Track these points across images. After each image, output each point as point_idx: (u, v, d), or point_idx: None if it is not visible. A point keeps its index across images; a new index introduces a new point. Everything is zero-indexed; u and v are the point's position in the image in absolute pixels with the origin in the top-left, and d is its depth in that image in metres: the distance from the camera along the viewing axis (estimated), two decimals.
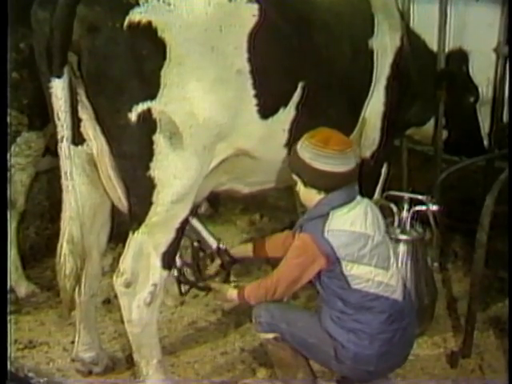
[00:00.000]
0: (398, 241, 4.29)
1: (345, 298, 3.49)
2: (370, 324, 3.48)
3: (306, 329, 3.60)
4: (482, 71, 5.02)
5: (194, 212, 3.79)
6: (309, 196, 3.54)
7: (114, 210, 3.74)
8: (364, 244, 3.43)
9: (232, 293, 3.73)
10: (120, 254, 3.57)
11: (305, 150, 3.46)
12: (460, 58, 4.92)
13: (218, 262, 4.03)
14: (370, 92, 4.20)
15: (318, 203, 3.50)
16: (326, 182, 3.47)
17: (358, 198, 3.56)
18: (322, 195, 3.49)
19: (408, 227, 4.33)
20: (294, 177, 3.55)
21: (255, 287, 3.66)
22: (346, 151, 3.45)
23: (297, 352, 3.66)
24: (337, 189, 3.46)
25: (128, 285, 3.49)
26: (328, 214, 3.44)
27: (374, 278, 3.46)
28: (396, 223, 4.34)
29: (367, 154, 4.39)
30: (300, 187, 3.55)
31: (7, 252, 3.22)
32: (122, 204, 3.50)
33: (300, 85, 3.62)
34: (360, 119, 4.25)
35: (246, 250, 4.10)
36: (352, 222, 3.44)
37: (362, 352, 3.49)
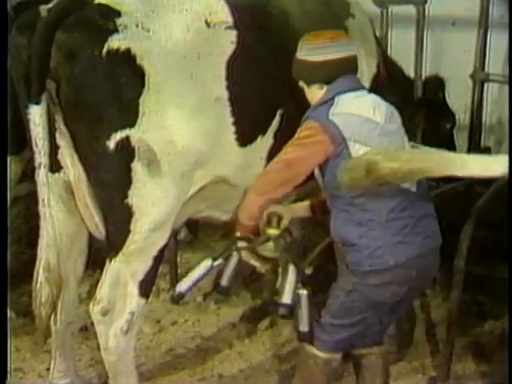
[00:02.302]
0: None
1: None
2: (380, 211, 3.33)
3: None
4: (459, 97, 5.07)
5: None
6: (313, 94, 3.49)
7: (92, 238, 3.71)
8: (372, 128, 3.33)
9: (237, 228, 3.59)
10: (98, 281, 3.55)
11: (300, 49, 3.45)
12: (437, 84, 4.96)
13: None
14: None
15: (321, 95, 3.45)
16: (323, 73, 3.42)
17: (367, 92, 3.51)
18: (324, 88, 3.45)
19: None
20: (300, 83, 3.52)
21: (250, 192, 3.48)
22: (337, 39, 3.43)
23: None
24: (337, 78, 3.42)
25: (105, 313, 3.46)
26: (333, 100, 3.39)
27: None
28: None
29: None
30: (305, 90, 3.51)
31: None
32: (100, 232, 3.48)
33: (279, 112, 3.64)
34: None
35: (300, 209, 3.76)
36: (358, 107, 3.37)
37: (375, 244, 3.33)
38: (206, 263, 3.54)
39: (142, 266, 3.44)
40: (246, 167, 3.61)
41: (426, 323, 4.88)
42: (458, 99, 5.05)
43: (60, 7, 3.18)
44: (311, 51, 3.42)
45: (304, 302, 3.47)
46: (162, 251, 3.48)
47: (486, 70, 4.88)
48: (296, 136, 3.39)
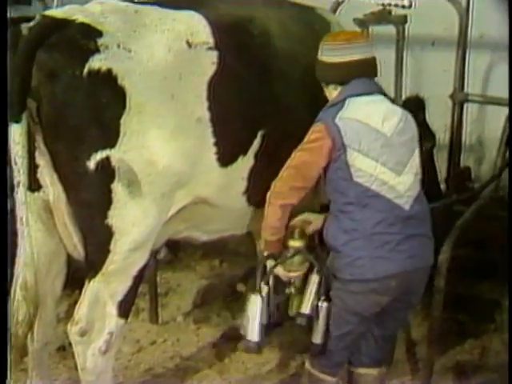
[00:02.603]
0: None
1: (346, 191, 3.41)
2: (366, 223, 3.38)
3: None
4: (439, 117, 5.10)
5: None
6: (330, 96, 3.57)
7: (70, 257, 3.67)
8: (375, 139, 3.38)
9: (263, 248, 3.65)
10: (76, 301, 3.52)
11: (320, 50, 3.56)
12: (417, 104, 4.98)
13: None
14: None
15: (335, 96, 3.52)
16: (338, 74, 3.50)
17: (383, 97, 3.56)
18: (338, 89, 3.52)
19: None
20: (322, 84, 3.61)
21: (266, 206, 3.55)
22: (353, 41, 3.51)
23: None
24: (351, 80, 3.48)
25: (83, 333, 3.44)
26: (344, 102, 3.45)
27: (378, 175, 3.37)
28: None
29: (326, 200, 4.40)
30: (325, 90, 3.60)
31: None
32: (78, 252, 3.45)
33: (259, 133, 3.63)
34: None
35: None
36: (368, 114, 3.42)
37: (356, 254, 3.39)
38: (256, 299, 3.56)
39: (122, 286, 3.42)
40: (226, 187, 3.60)
41: (406, 342, 4.88)
42: (438, 119, 5.06)
43: (41, 26, 3.17)
44: (328, 52, 3.53)
45: (323, 315, 3.51)
46: (141, 271, 3.46)
47: (466, 90, 4.91)
48: (305, 139, 3.47)
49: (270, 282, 3.63)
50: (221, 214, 3.74)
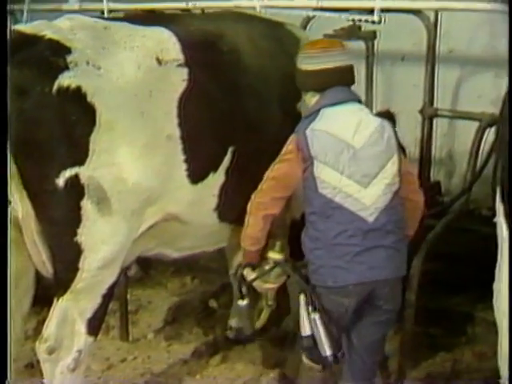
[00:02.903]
0: None
1: (311, 201, 3.50)
2: (327, 233, 3.47)
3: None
4: (410, 131, 5.12)
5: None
6: (309, 103, 3.66)
7: (39, 274, 3.63)
8: (342, 151, 3.44)
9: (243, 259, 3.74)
10: (45, 319, 3.48)
11: (298, 59, 3.66)
12: (387, 119, 5.01)
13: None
14: None
15: (312, 105, 3.61)
16: (315, 82, 3.58)
17: (360, 106, 3.63)
18: (316, 97, 3.59)
19: None
20: (302, 92, 3.71)
21: (247, 217, 3.64)
22: (329, 49, 3.60)
23: None
24: (327, 88, 3.55)
25: (51, 351, 3.41)
26: (318, 112, 3.53)
27: (342, 187, 3.44)
28: None
29: (297, 215, 4.41)
30: (304, 99, 3.70)
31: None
32: (47, 269, 3.42)
33: (230, 150, 3.64)
34: None
35: None
36: (339, 125, 3.49)
37: (319, 262, 3.50)
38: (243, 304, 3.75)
39: (91, 304, 3.40)
40: (197, 204, 3.60)
41: None
42: (409, 133, 5.07)
43: (10, 42, 3.15)
44: (306, 60, 3.61)
45: (319, 324, 3.50)
46: (111, 289, 3.44)
47: (435, 104, 4.94)
48: (283, 150, 3.55)
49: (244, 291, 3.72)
50: (192, 231, 3.74)
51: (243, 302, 3.77)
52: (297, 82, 3.71)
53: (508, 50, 2.92)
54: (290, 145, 3.54)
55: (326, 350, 3.50)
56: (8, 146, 3.04)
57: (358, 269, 3.47)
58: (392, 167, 3.53)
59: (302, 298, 3.56)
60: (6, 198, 3.10)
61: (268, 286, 3.75)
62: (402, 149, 4.97)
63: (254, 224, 3.61)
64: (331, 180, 3.44)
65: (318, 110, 3.53)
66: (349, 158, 3.44)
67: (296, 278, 3.65)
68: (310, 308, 3.52)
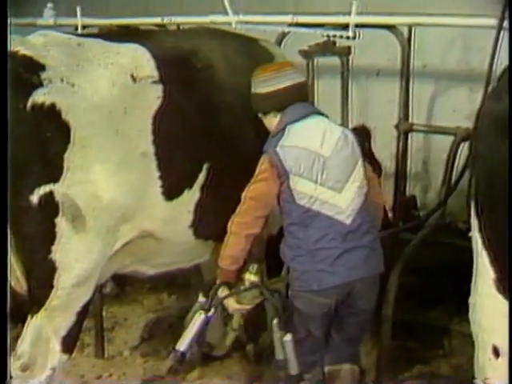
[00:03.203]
0: None
1: (290, 212, 3.63)
2: (308, 240, 3.61)
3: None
4: (385, 146, 5.15)
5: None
6: (271, 123, 3.76)
7: (13, 291, 3.60)
8: (314, 161, 3.59)
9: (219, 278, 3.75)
10: (18, 335, 3.44)
11: (252, 84, 3.79)
12: (363, 134, 5.03)
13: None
14: None
15: (276, 124, 3.72)
16: (275, 102, 3.71)
17: (321, 118, 3.75)
18: (277, 116, 3.71)
19: None
20: (259, 115, 3.81)
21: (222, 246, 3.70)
22: (282, 70, 3.76)
23: None
24: (287, 106, 3.70)
25: (25, 369, 3.37)
26: (284, 130, 3.65)
27: (318, 196, 3.59)
28: None
29: (274, 231, 4.42)
30: (264, 121, 3.80)
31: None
32: (21, 286, 3.38)
33: (205, 166, 3.65)
34: None
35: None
36: (306, 138, 3.63)
37: (302, 268, 3.63)
38: (200, 317, 3.68)
39: (65, 321, 3.37)
40: (172, 221, 3.60)
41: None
42: (384, 148, 5.12)
43: None
44: (262, 83, 3.72)
45: (289, 347, 3.64)
46: (86, 307, 3.42)
47: (411, 119, 4.97)
48: (257, 171, 3.64)
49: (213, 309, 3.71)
50: (167, 248, 3.73)
51: (208, 314, 3.73)
52: (254, 107, 3.81)
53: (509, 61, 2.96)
54: (263, 164, 3.63)
55: (295, 370, 3.67)
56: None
57: (340, 270, 3.62)
58: (359, 170, 3.73)
59: (275, 322, 3.67)
60: (6, 198, 3.05)
61: (240, 307, 3.76)
62: (377, 164, 5.05)
63: (236, 243, 3.67)
64: (307, 190, 3.59)
65: (284, 128, 3.66)
66: (321, 167, 3.60)
67: (271, 302, 3.72)
68: (281, 332, 3.65)
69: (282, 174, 3.57)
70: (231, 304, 3.75)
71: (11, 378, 3.35)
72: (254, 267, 3.75)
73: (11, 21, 3.14)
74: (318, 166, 3.60)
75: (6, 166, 2.97)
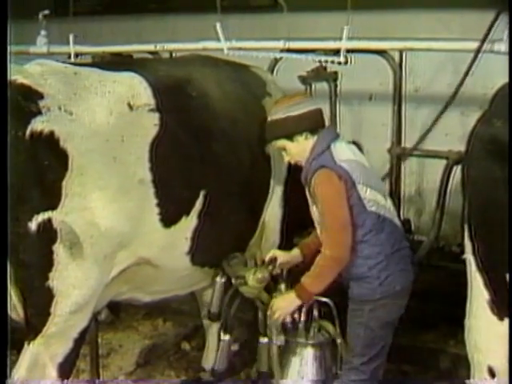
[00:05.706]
0: (305, 345, 4.15)
1: (364, 222, 3.66)
2: (385, 245, 3.70)
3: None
4: (378, 170, 5.13)
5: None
6: (301, 147, 3.76)
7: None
8: (367, 170, 3.74)
9: (290, 297, 3.76)
10: (14, 362, 3.41)
11: (275, 112, 3.80)
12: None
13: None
14: (269, 196, 4.26)
15: (313, 145, 3.73)
16: (309, 123, 3.76)
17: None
18: (310, 139, 3.74)
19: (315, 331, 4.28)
20: (278, 144, 3.82)
21: (313, 272, 3.69)
22: (304, 96, 4.03)
23: None
24: (319, 127, 3.78)
25: None
26: (330, 148, 3.69)
27: (380, 201, 3.72)
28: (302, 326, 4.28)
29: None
30: (289, 149, 3.79)
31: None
32: (17, 313, 3.37)
33: (202, 193, 3.67)
34: (260, 223, 4.28)
35: (294, 256, 4.04)
36: (351, 153, 3.75)
37: (385, 274, 3.68)
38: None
39: (62, 348, 3.37)
40: (170, 248, 3.61)
41: None
42: (378, 172, 5.15)
43: None
44: (293, 107, 3.76)
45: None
46: (83, 333, 3.42)
47: (403, 143, 5.00)
48: (323, 193, 3.64)
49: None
50: (164, 275, 3.74)
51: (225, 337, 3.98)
52: (279, 133, 3.78)
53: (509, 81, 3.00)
54: (328, 181, 3.62)
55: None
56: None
57: (411, 267, 3.82)
58: None
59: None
60: (6, 198, 3.05)
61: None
62: None
63: (331, 276, 3.67)
64: (374, 197, 3.70)
65: (329, 147, 3.70)
66: (371, 176, 3.77)
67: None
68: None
69: (351, 187, 3.62)
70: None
71: None
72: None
73: (11, 49, 3.18)
74: (370, 175, 3.74)
75: (6, 194, 2.99)
